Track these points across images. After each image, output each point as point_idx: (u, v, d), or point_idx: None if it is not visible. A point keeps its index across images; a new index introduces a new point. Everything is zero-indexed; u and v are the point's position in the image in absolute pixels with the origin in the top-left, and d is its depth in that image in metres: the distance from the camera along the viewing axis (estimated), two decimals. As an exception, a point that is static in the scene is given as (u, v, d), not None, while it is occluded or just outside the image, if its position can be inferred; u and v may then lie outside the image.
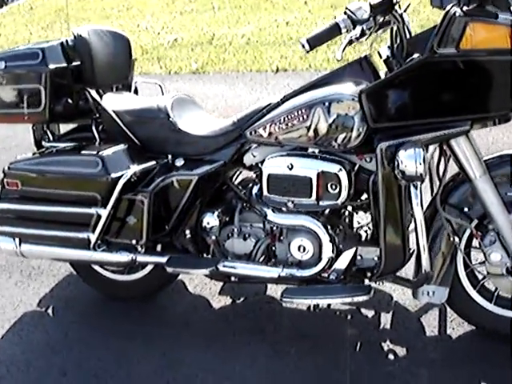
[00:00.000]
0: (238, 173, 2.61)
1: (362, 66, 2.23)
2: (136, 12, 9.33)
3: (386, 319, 2.65)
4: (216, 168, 2.45)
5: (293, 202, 2.32)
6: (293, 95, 2.31)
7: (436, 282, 2.35)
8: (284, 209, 2.36)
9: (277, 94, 2.41)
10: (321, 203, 2.28)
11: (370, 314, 2.68)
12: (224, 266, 2.43)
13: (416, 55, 1.99)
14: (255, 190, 2.46)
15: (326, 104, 2.18)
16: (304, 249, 2.36)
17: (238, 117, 2.45)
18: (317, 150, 2.30)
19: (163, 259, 2.52)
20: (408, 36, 2.08)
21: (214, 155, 2.46)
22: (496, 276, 2.32)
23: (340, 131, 2.18)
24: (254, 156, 2.43)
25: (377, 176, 2.10)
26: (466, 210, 2.26)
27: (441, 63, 1.93)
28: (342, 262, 2.34)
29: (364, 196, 2.37)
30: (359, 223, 2.46)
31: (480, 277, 2.46)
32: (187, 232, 2.54)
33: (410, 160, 1.99)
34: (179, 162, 2.47)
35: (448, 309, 2.60)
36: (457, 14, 1.86)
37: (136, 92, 2.89)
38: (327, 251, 2.33)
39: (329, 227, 2.35)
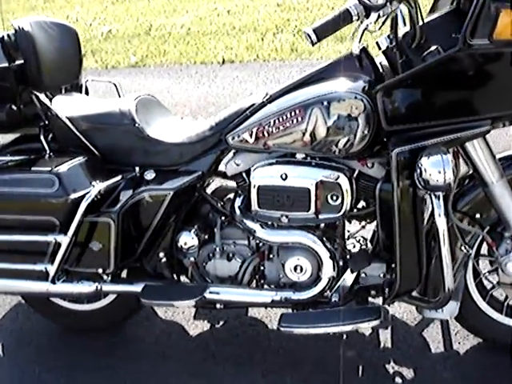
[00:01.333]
0: (212, 182, 2.29)
1: (360, 59, 1.95)
2: (63, 3, 8.74)
3: (385, 336, 2.40)
4: (193, 180, 2.12)
5: (287, 216, 2.02)
6: (280, 94, 2.00)
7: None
8: (275, 224, 2.05)
9: (257, 91, 2.09)
10: (320, 216, 1.99)
11: (366, 331, 2.43)
12: (211, 293, 2.11)
13: (433, 47, 1.71)
14: (238, 202, 2.15)
15: (325, 103, 1.88)
16: (301, 269, 2.07)
17: (217, 119, 2.12)
18: (309, 156, 2.01)
19: (136, 288, 2.17)
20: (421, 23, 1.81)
21: (190, 165, 2.13)
22: (509, 286, 2.12)
23: (342, 134, 1.89)
24: (238, 164, 2.11)
25: (391, 185, 1.82)
26: (478, 216, 2.03)
27: (474, 56, 1.67)
28: (345, 282, 2.07)
29: (360, 204, 2.10)
30: (356, 235, 2.19)
31: (489, 286, 2.24)
32: (161, 254, 2.20)
33: (435, 167, 1.72)
34: (149, 175, 2.12)
35: (450, 320, 2.38)
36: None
37: (87, 93, 2.51)
38: (328, 270, 2.04)
39: (327, 242, 2.06)
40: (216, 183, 2.32)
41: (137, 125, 2.11)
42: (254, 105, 2.04)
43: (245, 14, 7.04)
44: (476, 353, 2.31)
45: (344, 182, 1.95)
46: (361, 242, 2.18)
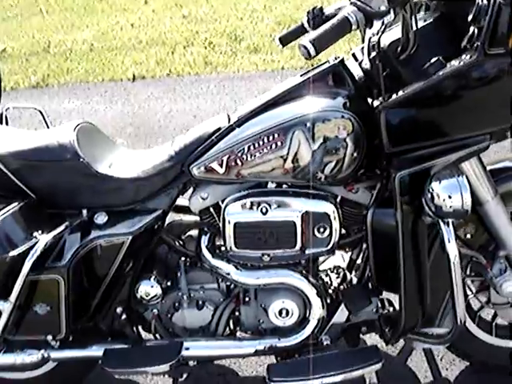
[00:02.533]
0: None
1: (337, 72, 1.73)
2: None
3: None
4: (152, 221, 1.82)
5: (269, 255, 1.76)
6: (250, 115, 1.75)
7: (437, 324, 1.94)
8: (253, 264, 1.80)
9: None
10: (307, 252, 1.76)
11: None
12: (186, 350, 1.81)
13: (434, 58, 1.52)
14: (205, 241, 1.87)
15: (308, 125, 1.65)
16: (287, 312, 1.82)
17: (176, 148, 1.83)
18: (284, 184, 1.77)
19: (93, 353, 1.83)
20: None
21: (149, 203, 1.83)
22: (502, 306, 1.99)
23: (329, 159, 1.67)
24: (204, 198, 1.83)
25: (395, 213, 1.61)
26: (468, 237, 1.88)
27: (491, 66, 1.49)
28: (337, 321, 1.84)
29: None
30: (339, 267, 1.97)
31: (476, 307, 2.10)
32: (118, 310, 1.88)
33: (451, 192, 1.53)
34: (100, 219, 1.80)
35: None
36: (501, 2, 1.43)
37: (6, 123, 2.13)
38: (317, 310, 1.81)
39: (312, 278, 1.83)
40: (168, 218, 2.02)
41: (81, 159, 1.78)
42: (219, 129, 1.77)
43: (150, 27, 6.69)
44: (467, 377, 2.17)
45: (331, 210, 1.73)
46: (346, 273, 1.96)
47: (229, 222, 1.74)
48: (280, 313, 1.82)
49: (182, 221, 1.99)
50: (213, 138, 1.76)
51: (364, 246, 1.90)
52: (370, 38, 1.49)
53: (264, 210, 1.71)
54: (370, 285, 1.90)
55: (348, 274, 1.97)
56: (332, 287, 1.95)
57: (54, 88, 5.49)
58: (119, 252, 1.78)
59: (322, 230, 1.73)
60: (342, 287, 1.96)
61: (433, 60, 1.52)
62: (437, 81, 1.51)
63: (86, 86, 5.47)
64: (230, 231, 1.74)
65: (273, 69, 5.28)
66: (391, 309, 1.88)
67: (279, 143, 1.67)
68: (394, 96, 1.57)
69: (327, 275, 1.95)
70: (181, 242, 1.97)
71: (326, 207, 1.72)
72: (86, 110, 4.88)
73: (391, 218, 1.69)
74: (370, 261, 1.79)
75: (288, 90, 1.75)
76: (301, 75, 1.82)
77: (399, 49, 1.61)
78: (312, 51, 1.43)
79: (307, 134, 1.65)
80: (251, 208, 1.72)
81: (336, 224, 1.74)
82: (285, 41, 1.92)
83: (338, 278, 1.97)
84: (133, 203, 1.82)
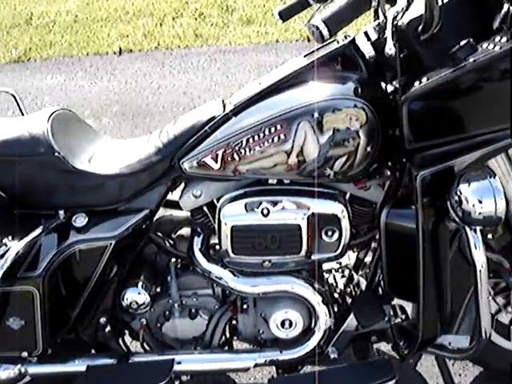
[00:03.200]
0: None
1: (348, 54, 1.52)
2: None
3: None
4: (139, 222, 1.61)
5: (270, 261, 1.57)
6: (248, 103, 1.54)
7: (455, 331, 1.76)
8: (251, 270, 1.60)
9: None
10: (314, 257, 1.56)
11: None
12: (179, 364, 1.62)
13: (464, 41, 1.30)
14: (198, 243, 1.68)
15: (316, 115, 1.44)
16: (290, 324, 1.63)
17: (164, 139, 1.62)
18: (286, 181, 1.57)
19: (75, 368, 1.64)
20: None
21: (134, 202, 1.62)
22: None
23: (339, 154, 1.46)
24: (196, 197, 1.63)
25: (416, 215, 1.41)
26: (489, 237, 1.68)
27: None
28: (345, 331, 1.66)
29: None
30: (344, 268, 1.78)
31: (492, 310, 1.93)
32: (102, 320, 1.68)
33: (481, 196, 1.33)
34: (80, 221, 1.59)
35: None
36: None
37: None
38: (323, 320, 1.63)
39: (317, 285, 1.64)
40: (160, 215, 1.82)
41: (56, 153, 1.57)
42: (213, 118, 1.56)
43: (136, -3, 6.40)
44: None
45: (341, 211, 1.53)
46: (353, 274, 1.78)
47: (225, 225, 1.54)
48: (282, 324, 1.63)
49: (171, 217, 1.79)
50: (206, 128, 1.55)
51: (373, 245, 1.72)
52: (395, 17, 1.27)
53: (265, 211, 1.51)
54: (379, 290, 1.72)
55: (355, 274, 1.79)
56: (338, 290, 1.77)
57: (37, 62, 5.22)
58: (101, 258, 1.58)
59: (330, 233, 1.54)
60: (348, 289, 1.78)
61: (462, 43, 1.30)
62: (471, 68, 1.30)
63: (69, 60, 5.21)
64: (226, 235, 1.55)
65: (267, 42, 5.04)
66: (403, 316, 1.70)
67: (282, 136, 1.46)
68: (417, 85, 1.36)
69: (332, 276, 1.77)
70: (171, 242, 1.77)
71: (335, 207, 1.52)
72: (69, 86, 4.63)
73: (408, 219, 1.51)
74: (382, 265, 1.60)
75: (291, 74, 1.53)
76: (305, 56, 1.60)
77: (420, 28, 1.39)
78: (325, 32, 1.21)
79: (314, 125, 1.44)
80: (251, 209, 1.52)
81: (346, 226, 1.54)
82: (285, 15, 1.69)
83: (343, 278, 1.79)
84: (116, 203, 1.61)
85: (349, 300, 1.77)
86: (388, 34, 1.35)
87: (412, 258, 1.52)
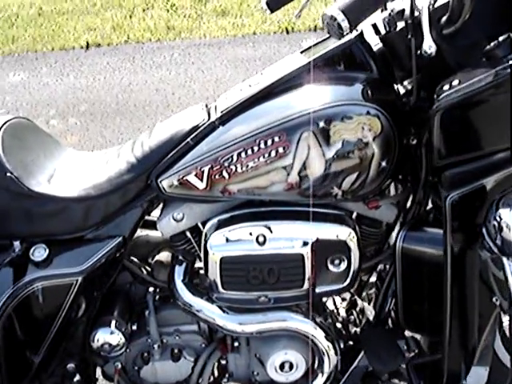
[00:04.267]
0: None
1: (355, 50, 1.29)
2: None
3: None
4: (111, 252, 1.36)
5: (267, 296, 1.33)
6: (239, 109, 1.29)
7: (475, 362, 1.55)
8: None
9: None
10: (318, 291, 1.33)
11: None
12: None
13: (504, 36, 1.08)
14: (180, 273, 1.43)
15: (321, 124, 1.20)
16: (291, 366, 1.40)
17: (138, 153, 1.36)
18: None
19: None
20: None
21: (104, 229, 1.37)
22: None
23: (348, 170, 1.23)
24: (177, 220, 1.38)
25: (444, 241, 1.19)
26: None
27: None
28: (354, 371, 1.43)
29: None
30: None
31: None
32: (70, 366, 1.43)
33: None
34: (39, 253, 1.33)
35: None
36: None
37: None
38: (328, 359, 1.40)
39: (318, 319, 1.41)
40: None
41: (9, 174, 1.30)
42: (197, 127, 1.31)
43: (104, -13, 6.09)
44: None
45: (349, 236, 1.30)
46: (356, 300, 1.56)
47: (213, 255, 1.30)
48: (282, 367, 1.39)
49: (148, 238, 1.55)
50: (188, 139, 1.31)
51: (379, 267, 1.51)
52: (429, 7, 1.04)
53: (261, 238, 1.27)
54: (389, 320, 1.50)
55: (358, 300, 1.57)
56: (340, 318, 1.55)
57: (-3, 58, 4.91)
58: (66, 296, 1.33)
59: (337, 261, 1.31)
60: (352, 317, 1.56)
61: (501, 39, 1.08)
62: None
63: (33, 55, 4.93)
64: (214, 267, 1.30)
65: (243, 34, 4.81)
66: (417, 351, 1.49)
67: (281, 149, 1.22)
68: (448, 89, 1.12)
69: (332, 302, 1.54)
70: (148, 269, 1.52)
71: (343, 232, 1.29)
72: (33, 83, 4.36)
73: (429, 244, 1.29)
74: (395, 295, 1.38)
75: (289, 75, 1.29)
76: (301, 52, 1.37)
77: (444, 18, 1.16)
78: (345, 24, 0.97)
79: (320, 136, 1.21)
80: (243, 236, 1.28)
81: (355, 252, 1.31)
82: (273, 6, 1.45)
83: (345, 304, 1.57)
84: (82, 230, 1.36)
85: (352, 329, 1.55)
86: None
87: (433, 288, 1.31)
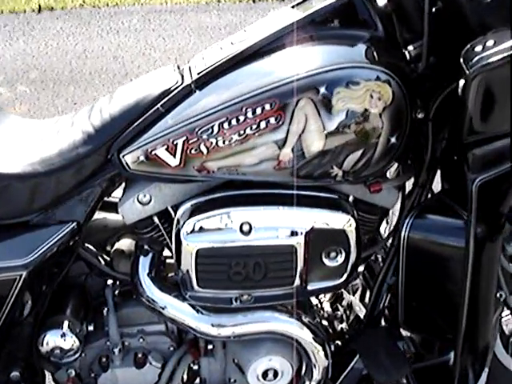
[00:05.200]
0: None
1: (357, 4, 1.08)
2: None
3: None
4: (62, 240, 1.13)
5: (250, 295, 1.13)
6: (221, 70, 1.07)
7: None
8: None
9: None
10: (310, 288, 1.13)
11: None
12: None
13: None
14: (145, 266, 1.21)
15: (322, 90, 0.99)
16: (275, 374, 1.20)
17: (97, 122, 1.13)
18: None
19: None
20: None
21: (54, 212, 1.14)
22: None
23: (352, 147, 1.03)
24: (144, 203, 1.15)
25: (467, 232, 1.01)
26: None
27: None
28: (348, 374, 1.24)
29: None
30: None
31: (507, 331, 1.58)
32: (14, 374, 1.20)
33: None
34: (-25, 241, 1.09)
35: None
36: None
37: None
38: (318, 364, 1.21)
39: (305, 318, 1.22)
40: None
41: None
42: (168, 92, 1.09)
43: None
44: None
45: (348, 223, 1.10)
46: (346, 298, 1.37)
47: (187, 246, 1.08)
48: (265, 375, 1.20)
49: (107, 222, 1.32)
50: (158, 106, 1.08)
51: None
52: None
53: (245, 227, 1.06)
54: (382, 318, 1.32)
55: (346, 294, 1.39)
56: (326, 314, 1.36)
57: None
58: (9, 294, 1.10)
59: (333, 254, 1.11)
60: (338, 313, 1.38)
61: None
62: None
63: (-20, 18, 4.57)
64: (188, 261, 1.09)
65: (207, 1, 4.55)
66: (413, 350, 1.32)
67: (272, 120, 1.01)
68: (480, 50, 0.93)
69: (316, 297, 1.35)
70: (106, 258, 1.30)
71: (341, 219, 1.09)
72: (-21, 48, 4.03)
73: (438, 234, 1.11)
74: (397, 292, 1.20)
75: (280, 32, 1.07)
76: (293, 7, 1.15)
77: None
78: None
79: (320, 104, 1.00)
80: (224, 224, 1.07)
81: (353, 243, 1.12)
82: None
83: (329, 299, 1.38)
84: (28, 214, 1.13)
85: (339, 326, 1.37)
86: None
87: (443, 283, 1.14)
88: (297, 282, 1.11)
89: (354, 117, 1.01)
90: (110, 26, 4.27)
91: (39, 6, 4.62)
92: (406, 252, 1.14)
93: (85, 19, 4.44)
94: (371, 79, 1.01)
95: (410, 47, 1.13)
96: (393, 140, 1.04)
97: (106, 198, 1.22)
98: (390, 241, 1.27)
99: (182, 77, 1.12)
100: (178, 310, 1.19)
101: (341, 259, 1.12)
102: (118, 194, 1.23)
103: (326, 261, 1.12)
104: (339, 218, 1.10)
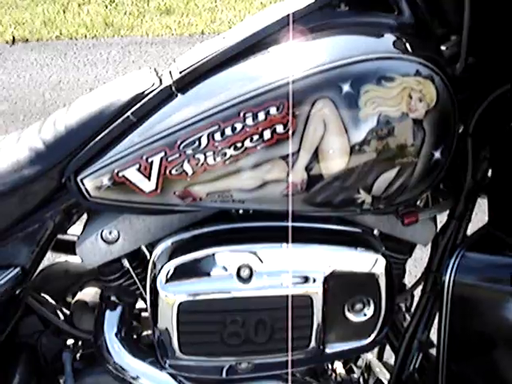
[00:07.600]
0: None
1: None
2: None
3: None
4: (3, 289, 0.86)
5: (250, 362, 0.85)
6: (209, 68, 0.82)
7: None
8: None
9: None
10: (328, 351, 0.86)
11: None
12: None
13: None
14: (112, 321, 0.94)
15: (346, 88, 0.75)
16: None
17: (49, 137, 0.87)
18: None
19: None
20: None
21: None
22: None
23: (385, 164, 0.78)
24: (109, 242, 0.89)
25: None
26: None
27: None
28: None
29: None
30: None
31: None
32: None
33: None
34: None
35: None
36: None
37: None
38: None
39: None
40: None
41: None
42: (142, 96, 0.84)
43: (36, -19, 5.58)
44: None
45: (378, 266, 0.84)
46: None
47: (165, 297, 0.81)
48: None
49: (68, 265, 1.06)
50: (128, 114, 0.83)
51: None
52: None
53: (245, 272, 0.79)
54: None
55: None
56: (338, 377, 1.09)
57: None
58: None
59: (359, 306, 0.85)
60: (354, 376, 1.11)
61: None
62: None
63: (-49, 49, 4.39)
64: (167, 318, 0.81)
65: (191, 33, 4.41)
66: None
67: (280, 128, 0.76)
68: None
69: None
70: (66, 312, 1.03)
71: (369, 259, 0.83)
72: (-51, 79, 3.83)
73: (495, 276, 0.86)
74: (438, 352, 0.94)
75: (286, 19, 0.83)
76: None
77: None
78: None
79: (343, 107, 0.75)
80: (215, 269, 0.80)
81: (384, 291, 0.86)
82: None
83: (345, 361, 1.11)
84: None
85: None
86: None
87: (499, 343, 0.88)
88: (312, 344, 0.84)
89: (388, 124, 0.76)
90: (88, 58, 4.08)
91: (13, 37, 4.44)
92: (451, 301, 0.88)
93: (61, 51, 4.25)
94: (410, 74, 0.76)
95: (445, 44, 0.91)
96: (437, 155, 0.79)
97: (61, 236, 0.96)
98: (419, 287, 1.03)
99: (161, 80, 0.88)
100: (154, 381, 0.91)
101: (369, 312, 0.85)
102: (76, 230, 0.97)
103: (349, 315, 0.85)
104: (366, 259, 0.84)
